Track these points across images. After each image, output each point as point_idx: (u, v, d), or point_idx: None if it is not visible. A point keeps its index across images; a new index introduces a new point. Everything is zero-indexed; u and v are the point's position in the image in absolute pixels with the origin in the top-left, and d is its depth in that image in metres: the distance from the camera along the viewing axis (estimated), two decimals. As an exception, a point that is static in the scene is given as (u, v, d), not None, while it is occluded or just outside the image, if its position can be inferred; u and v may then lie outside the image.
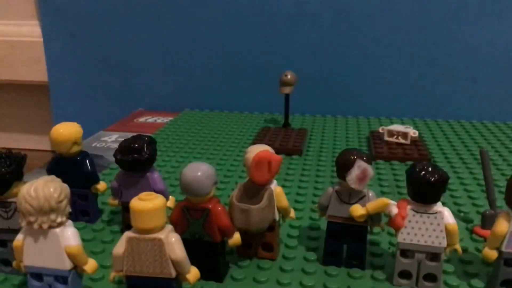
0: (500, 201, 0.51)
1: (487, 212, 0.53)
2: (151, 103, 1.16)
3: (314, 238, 0.52)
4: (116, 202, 0.53)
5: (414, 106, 1.05)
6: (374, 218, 0.45)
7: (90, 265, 0.39)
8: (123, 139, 0.52)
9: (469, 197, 0.63)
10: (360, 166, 0.42)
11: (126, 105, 1.14)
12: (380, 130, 0.85)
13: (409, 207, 0.42)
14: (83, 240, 0.39)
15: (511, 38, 0.99)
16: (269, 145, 0.48)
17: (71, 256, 0.38)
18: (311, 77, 1.04)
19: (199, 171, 0.41)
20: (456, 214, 0.57)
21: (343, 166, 0.44)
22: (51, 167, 0.54)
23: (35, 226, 0.37)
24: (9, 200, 0.43)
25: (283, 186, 0.59)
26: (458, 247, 0.43)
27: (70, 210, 0.38)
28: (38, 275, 0.39)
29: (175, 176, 0.71)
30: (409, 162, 0.74)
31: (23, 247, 0.38)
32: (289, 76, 0.87)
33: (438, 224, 0.42)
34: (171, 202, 0.51)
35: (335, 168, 0.46)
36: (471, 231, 0.54)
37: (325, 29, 1.04)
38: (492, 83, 1.02)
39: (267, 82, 0.98)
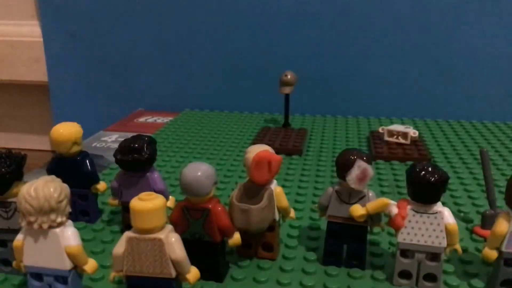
0: (500, 201, 0.51)
1: (487, 212, 0.53)
2: (151, 103, 1.16)
3: (314, 238, 0.52)
4: (116, 202, 0.53)
5: (414, 106, 1.05)
6: (374, 218, 0.45)
7: (90, 265, 0.39)
8: (123, 139, 0.52)
9: (469, 197, 0.63)
10: (360, 166, 0.42)
11: (126, 105, 1.14)
12: (380, 130, 0.85)
13: (409, 207, 0.42)
14: (83, 240, 0.39)
15: (511, 38, 0.99)
16: (269, 145, 0.48)
17: (71, 256, 0.38)
18: (311, 77, 1.04)
19: (199, 171, 0.41)
20: (456, 214, 0.57)
21: (343, 166, 0.44)
22: (51, 167, 0.54)
23: (35, 226, 0.37)
24: (9, 200, 0.43)
25: (283, 186, 0.59)
26: (458, 247, 0.43)
27: (70, 210, 0.38)
28: (38, 275, 0.39)
29: (175, 176, 0.71)
30: (409, 162, 0.74)
31: (23, 247, 0.38)
32: (289, 76, 0.87)
33: (438, 224, 0.42)
34: (171, 202, 0.51)
35: (335, 168, 0.46)
36: (471, 231, 0.54)
37: (325, 29, 1.04)
38: (492, 83, 1.02)
39: (267, 82, 0.98)
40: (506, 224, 0.41)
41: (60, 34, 1.14)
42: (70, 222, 0.39)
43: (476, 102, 1.03)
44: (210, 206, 0.42)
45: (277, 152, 0.48)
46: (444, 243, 0.42)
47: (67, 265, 0.38)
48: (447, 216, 0.42)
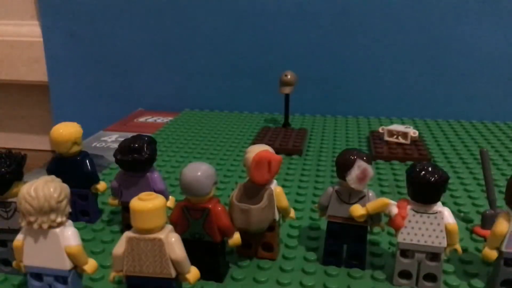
0: (500, 201, 0.51)
1: (487, 212, 0.53)
2: (151, 103, 1.16)
3: (314, 238, 0.52)
4: (116, 202, 0.53)
5: (414, 106, 1.05)
6: (374, 218, 0.45)
7: (90, 265, 0.39)
8: (123, 139, 0.52)
9: (469, 197, 0.63)
10: (360, 166, 0.42)
11: (126, 105, 1.14)
12: (380, 130, 0.85)
13: (409, 207, 0.42)
14: (83, 240, 0.40)
15: (511, 38, 0.99)
16: (269, 145, 0.48)
17: (71, 256, 0.38)
18: (311, 77, 1.04)
19: (199, 171, 0.41)
20: (456, 214, 0.57)
21: (343, 166, 0.44)
22: (51, 167, 0.54)
23: (35, 226, 0.37)
24: (9, 200, 0.43)
25: (283, 186, 0.59)
26: (458, 247, 0.43)
27: (70, 210, 0.38)
28: (38, 275, 0.39)
29: (175, 176, 0.71)
30: (409, 162, 0.74)
31: (23, 247, 0.38)
32: (289, 76, 0.87)
33: (438, 224, 0.42)
34: (171, 202, 0.51)
35: (335, 168, 0.46)
36: (471, 231, 0.54)
37: (325, 29, 1.04)
38: (492, 83, 1.02)
39: (267, 82, 0.98)
40: (506, 224, 0.41)
41: (60, 34, 1.14)
42: (70, 222, 0.39)
43: (476, 102, 1.03)
44: (210, 206, 0.42)
45: (277, 152, 0.48)
46: (444, 243, 0.42)
47: (67, 265, 0.38)
48: (447, 216, 0.42)
